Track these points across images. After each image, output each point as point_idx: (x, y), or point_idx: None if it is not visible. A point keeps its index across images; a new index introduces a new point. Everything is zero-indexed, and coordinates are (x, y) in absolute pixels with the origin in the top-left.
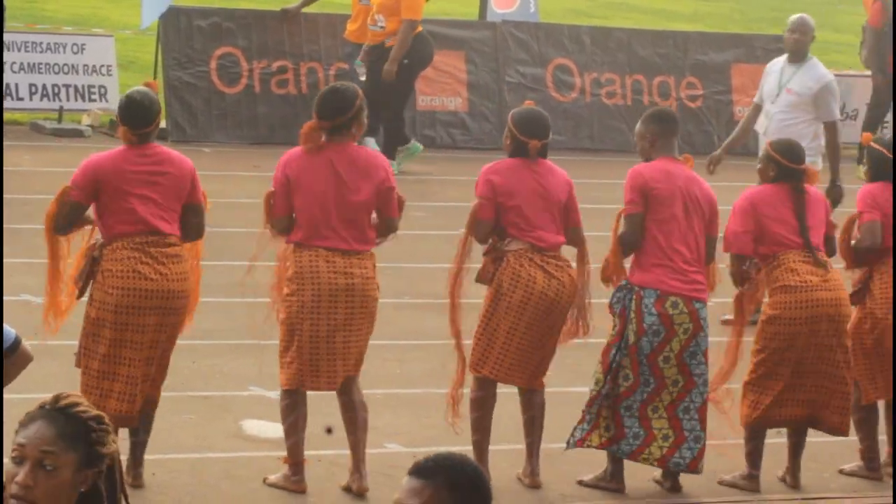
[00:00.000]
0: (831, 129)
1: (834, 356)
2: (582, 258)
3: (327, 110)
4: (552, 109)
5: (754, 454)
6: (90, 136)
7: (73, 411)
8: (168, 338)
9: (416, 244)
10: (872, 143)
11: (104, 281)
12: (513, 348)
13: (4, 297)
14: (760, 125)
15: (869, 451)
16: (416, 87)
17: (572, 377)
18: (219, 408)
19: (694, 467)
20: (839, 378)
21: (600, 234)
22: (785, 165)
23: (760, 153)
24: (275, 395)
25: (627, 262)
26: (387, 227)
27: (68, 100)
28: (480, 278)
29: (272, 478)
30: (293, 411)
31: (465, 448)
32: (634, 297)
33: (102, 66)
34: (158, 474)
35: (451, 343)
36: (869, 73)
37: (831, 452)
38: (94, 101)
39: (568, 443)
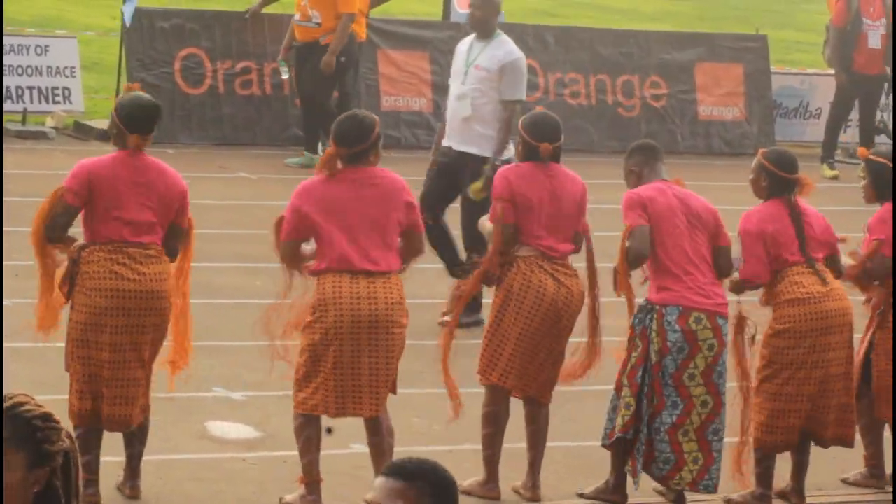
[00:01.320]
0: (510, 108)
1: (842, 369)
2: (592, 274)
3: (347, 138)
4: None
5: (766, 475)
6: (54, 139)
7: (17, 412)
8: (152, 340)
9: None
10: (871, 156)
11: (83, 283)
12: (521, 355)
13: None
14: (449, 109)
15: (873, 458)
16: (381, 88)
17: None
18: (183, 409)
19: (716, 488)
20: (846, 389)
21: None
22: (778, 176)
23: (752, 167)
24: (239, 396)
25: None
26: (413, 248)
27: (32, 102)
28: (486, 280)
29: (288, 498)
30: (306, 429)
31: (431, 451)
32: (655, 315)
33: (66, 67)
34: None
35: (424, 344)
36: (832, 72)
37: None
38: (58, 102)
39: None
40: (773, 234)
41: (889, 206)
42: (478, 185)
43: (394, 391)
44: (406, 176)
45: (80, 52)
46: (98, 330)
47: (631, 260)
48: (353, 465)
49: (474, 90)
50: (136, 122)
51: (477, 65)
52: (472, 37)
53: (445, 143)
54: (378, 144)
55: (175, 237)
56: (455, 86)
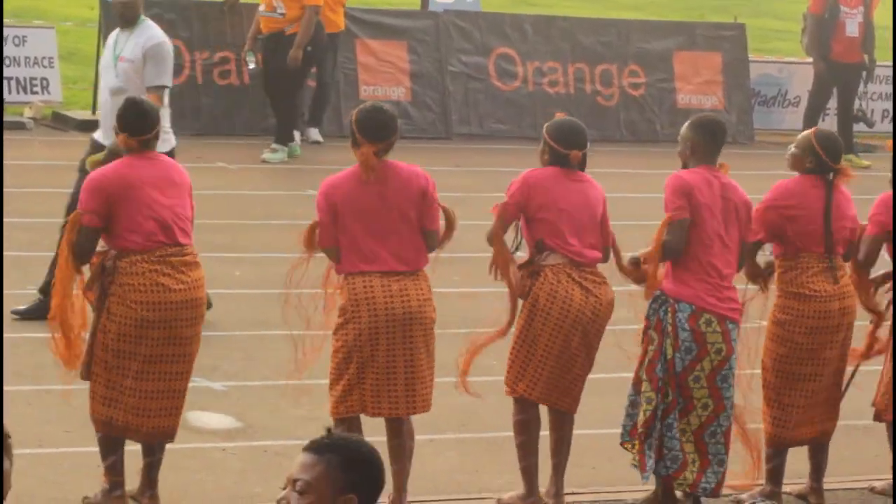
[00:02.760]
0: (155, 94)
1: (837, 366)
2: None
3: (381, 132)
4: (494, 98)
5: (777, 472)
6: (32, 129)
7: None
8: (194, 351)
9: None
10: None
11: (125, 295)
12: (548, 367)
13: None
14: (102, 105)
15: None
16: (359, 77)
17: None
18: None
19: (717, 491)
20: (837, 385)
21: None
22: (824, 162)
23: (800, 141)
24: (219, 386)
25: None
26: (430, 242)
27: (10, 92)
28: (519, 293)
29: None
30: None
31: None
32: (670, 309)
33: (44, 58)
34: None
35: None
36: (810, 60)
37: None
38: (36, 93)
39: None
40: (792, 204)
41: None
42: (97, 157)
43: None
44: None
45: (57, 43)
46: (144, 343)
47: (666, 253)
48: None
49: (124, 83)
50: (125, 122)
51: (122, 56)
52: (118, 29)
53: (100, 139)
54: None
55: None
56: (106, 80)
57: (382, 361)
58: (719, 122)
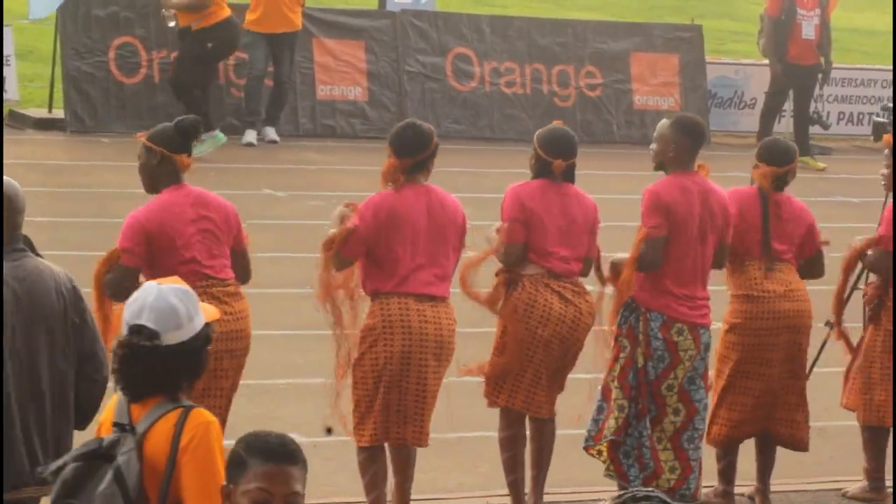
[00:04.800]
0: None
1: (791, 367)
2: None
3: (409, 147)
4: (451, 99)
5: (728, 470)
6: None
7: None
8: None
9: (315, 233)
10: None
11: None
12: (528, 378)
13: None
14: None
15: (875, 472)
16: (316, 77)
17: None
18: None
19: (696, 496)
20: (792, 389)
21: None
22: (770, 169)
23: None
24: None
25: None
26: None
27: None
28: (492, 302)
29: None
30: (372, 464)
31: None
32: (641, 318)
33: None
34: None
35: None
36: (767, 62)
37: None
38: None
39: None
40: (735, 214)
41: None
42: None
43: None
44: (340, 165)
45: (14, 41)
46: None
47: (641, 267)
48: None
49: None
50: (173, 142)
51: None
52: None
53: None
54: (435, 154)
55: (242, 258)
56: None
57: (413, 387)
58: (703, 125)
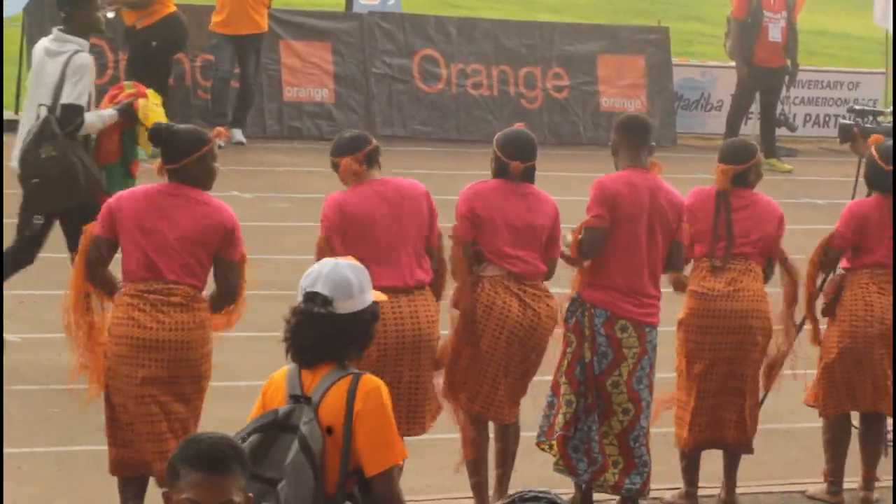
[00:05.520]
0: None
1: (734, 368)
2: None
3: (352, 144)
4: (418, 100)
5: (689, 470)
6: None
7: None
8: (176, 398)
9: (282, 235)
10: (873, 150)
11: (110, 329)
12: (487, 384)
13: None
14: None
15: (833, 474)
16: (283, 78)
17: None
18: (85, 400)
19: (643, 490)
20: (739, 392)
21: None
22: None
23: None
24: None
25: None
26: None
27: None
28: (454, 304)
29: None
30: None
31: None
32: (587, 313)
33: None
34: (24, 467)
35: None
36: (733, 64)
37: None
38: None
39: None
40: (696, 210)
41: (870, 199)
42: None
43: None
44: (307, 167)
45: None
46: (110, 376)
47: (580, 252)
48: None
49: None
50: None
51: None
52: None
53: None
54: (379, 151)
55: (227, 269)
56: None
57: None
58: (638, 119)
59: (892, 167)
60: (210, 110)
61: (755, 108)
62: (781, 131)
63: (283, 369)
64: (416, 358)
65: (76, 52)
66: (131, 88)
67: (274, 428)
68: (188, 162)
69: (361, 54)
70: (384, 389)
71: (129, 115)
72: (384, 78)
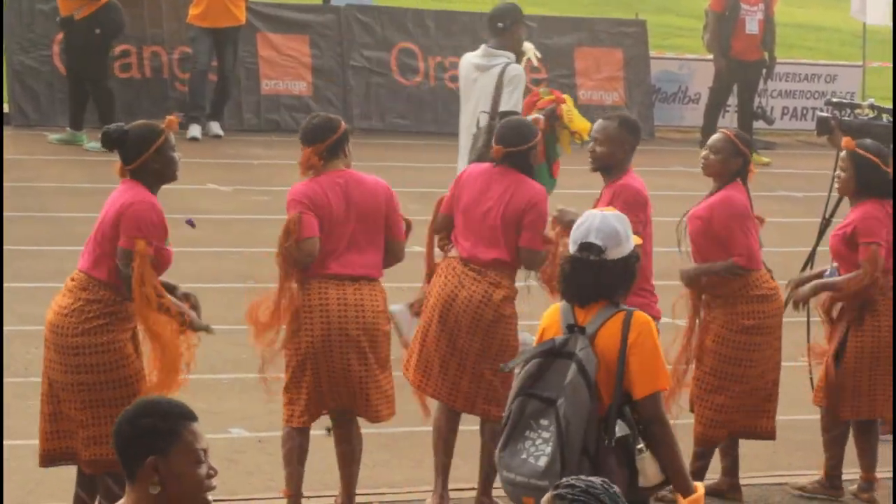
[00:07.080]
0: None
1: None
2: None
3: (316, 135)
4: (396, 93)
5: (703, 471)
6: None
7: None
8: (59, 381)
9: (260, 228)
10: (858, 150)
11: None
12: (424, 354)
13: None
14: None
15: (833, 470)
16: (260, 71)
17: None
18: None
19: None
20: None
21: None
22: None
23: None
24: None
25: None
26: (393, 254)
27: None
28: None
29: None
30: (288, 441)
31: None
32: None
33: None
34: (9, 461)
35: None
36: (711, 57)
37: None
38: None
39: None
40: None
41: (872, 204)
42: None
43: (390, 410)
44: (284, 159)
45: None
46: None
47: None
48: (233, 449)
49: None
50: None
51: None
52: None
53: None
54: (348, 139)
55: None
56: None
57: (338, 369)
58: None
59: (892, 167)
60: (188, 103)
61: (733, 100)
62: (759, 124)
63: (554, 307)
64: (360, 347)
65: (507, 63)
66: (549, 95)
67: (552, 354)
68: (146, 158)
69: (339, 47)
70: (653, 324)
71: (553, 119)
72: (362, 71)
